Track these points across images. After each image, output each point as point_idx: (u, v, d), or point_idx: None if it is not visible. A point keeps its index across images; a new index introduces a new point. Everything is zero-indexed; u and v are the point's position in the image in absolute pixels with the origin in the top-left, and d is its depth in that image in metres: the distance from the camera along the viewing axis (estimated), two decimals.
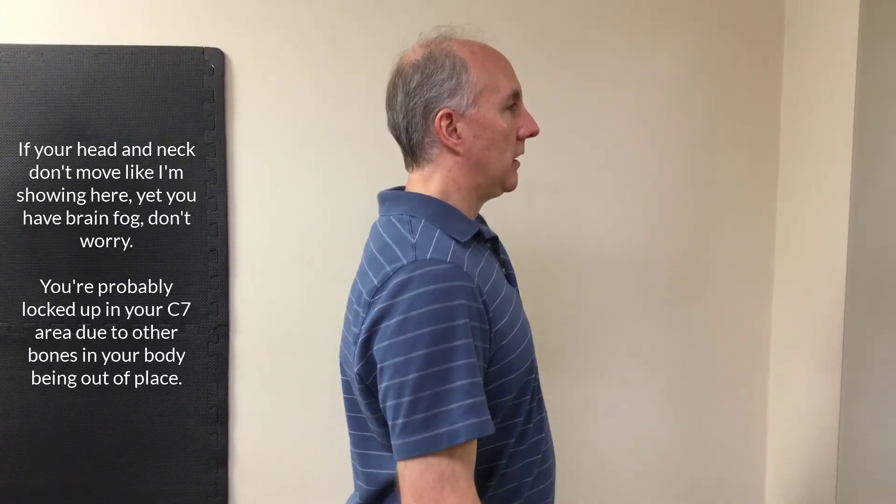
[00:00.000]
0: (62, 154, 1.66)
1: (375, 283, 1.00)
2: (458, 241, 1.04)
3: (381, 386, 0.97)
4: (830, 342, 1.53)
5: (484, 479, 1.06)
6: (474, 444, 0.97)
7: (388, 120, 1.13)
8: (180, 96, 1.67)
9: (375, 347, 0.97)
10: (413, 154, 1.11)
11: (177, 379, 1.70)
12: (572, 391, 1.78)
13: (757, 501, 1.81)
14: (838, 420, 1.50)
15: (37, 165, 1.66)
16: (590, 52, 1.73)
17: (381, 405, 0.98)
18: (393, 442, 0.96)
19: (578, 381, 1.78)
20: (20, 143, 1.66)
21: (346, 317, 1.11)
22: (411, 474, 0.94)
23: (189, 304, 1.70)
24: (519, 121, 1.12)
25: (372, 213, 1.16)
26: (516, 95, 1.11)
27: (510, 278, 1.19)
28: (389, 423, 0.96)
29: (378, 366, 0.97)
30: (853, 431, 1.50)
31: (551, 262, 1.75)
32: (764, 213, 1.77)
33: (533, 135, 1.13)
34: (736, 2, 1.73)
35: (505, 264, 1.19)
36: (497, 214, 1.62)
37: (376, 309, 0.97)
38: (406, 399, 0.94)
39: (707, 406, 1.80)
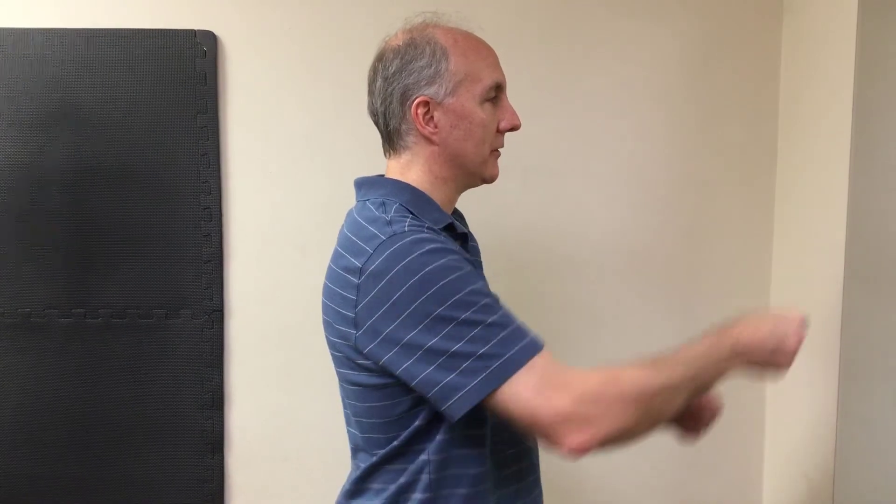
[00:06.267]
0: (54, 138, 1.65)
1: (357, 263, 0.98)
2: (430, 229, 1.02)
3: (414, 357, 0.94)
4: (828, 334, 1.52)
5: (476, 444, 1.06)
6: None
7: (368, 105, 1.12)
8: (173, 79, 1.65)
9: (390, 327, 0.95)
10: (391, 140, 1.10)
11: (172, 365, 1.70)
12: None
13: (755, 495, 1.81)
14: (836, 412, 1.50)
15: (29, 150, 1.65)
16: (586, 37, 1.70)
17: (420, 374, 0.94)
18: (465, 390, 0.92)
19: None
20: (12, 128, 1.64)
21: (325, 303, 1.09)
22: (517, 389, 0.91)
23: (183, 289, 1.69)
24: (500, 113, 1.10)
25: None
26: (499, 87, 1.09)
27: None
28: (445, 379, 0.92)
29: (400, 342, 0.94)
30: (851, 423, 1.50)
31: (544, 254, 1.74)
32: (761, 205, 1.74)
33: (514, 129, 1.11)
34: None
35: (473, 264, 1.18)
36: (493, 202, 1.61)
37: (372, 292, 0.96)
38: (460, 345, 0.91)
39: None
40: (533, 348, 0.93)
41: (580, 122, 1.72)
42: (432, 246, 0.95)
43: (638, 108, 1.72)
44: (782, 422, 1.73)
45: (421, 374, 0.94)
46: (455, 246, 1.04)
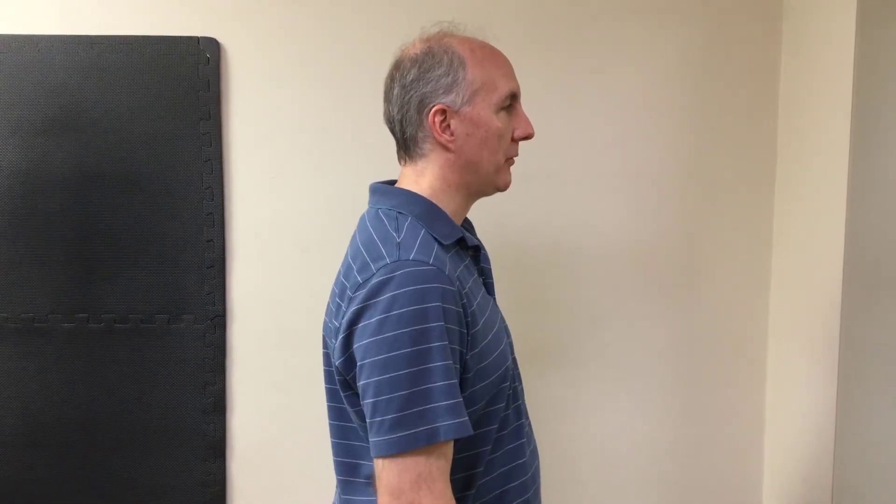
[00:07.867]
0: (58, 144, 1.66)
1: (359, 279, 1.00)
2: (440, 244, 1.04)
3: (360, 383, 0.98)
4: (827, 334, 1.53)
5: (462, 488, 1.06)
6: (451, 446, 0.97)
7: (384, 112, 1.13)
8: (176, 86, 1.66)
9: (356, 345, 0.98)
10: (406, 148, 1.11)
11: (174, 370, 1.70)
12: (568, 385, 1.77)
13: (754, 494, 1.82)
14: (835, 412, 1.50)
15: (32, 155, 1.66)
16: (588, 40, 1.71)
17: (362, 402, 0.99)
18: (371, 439, 0.96)
19: (575, 375, 1.77)
20: (15, 134, 1.65)
21: (329, 308, 1.11)
22: (388, 473, 0.94)
23: (186, 294, 1.69)
24: (515, 122, 1.11)
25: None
26: (514, 96, 1.11)
27: (488, 287, 1.19)
28: (368, 420, 0.97)
29: (358, 363, 0.98)
30: (850, 423, 1.50)
31: (547, 254, 1.75)
32: (761, 206, 1.76)
33: (528, 137, 1.13)
34: None
35: (485, 273, 1.19)
36: (493, 205, 1.61)
37: (356, 307, 0.98)
38: (384, 397, 0.94)
39: (704, 400, 1.79)
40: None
41: (581, 124, 1.73)
42: (417, 307, 0.96)
43: (639, 111, 1.73)
44: (782, 422, 1.74)
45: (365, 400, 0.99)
46: (461, 263, 1.07)
